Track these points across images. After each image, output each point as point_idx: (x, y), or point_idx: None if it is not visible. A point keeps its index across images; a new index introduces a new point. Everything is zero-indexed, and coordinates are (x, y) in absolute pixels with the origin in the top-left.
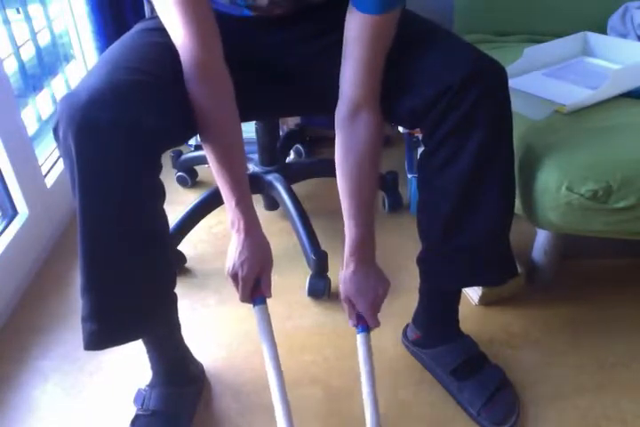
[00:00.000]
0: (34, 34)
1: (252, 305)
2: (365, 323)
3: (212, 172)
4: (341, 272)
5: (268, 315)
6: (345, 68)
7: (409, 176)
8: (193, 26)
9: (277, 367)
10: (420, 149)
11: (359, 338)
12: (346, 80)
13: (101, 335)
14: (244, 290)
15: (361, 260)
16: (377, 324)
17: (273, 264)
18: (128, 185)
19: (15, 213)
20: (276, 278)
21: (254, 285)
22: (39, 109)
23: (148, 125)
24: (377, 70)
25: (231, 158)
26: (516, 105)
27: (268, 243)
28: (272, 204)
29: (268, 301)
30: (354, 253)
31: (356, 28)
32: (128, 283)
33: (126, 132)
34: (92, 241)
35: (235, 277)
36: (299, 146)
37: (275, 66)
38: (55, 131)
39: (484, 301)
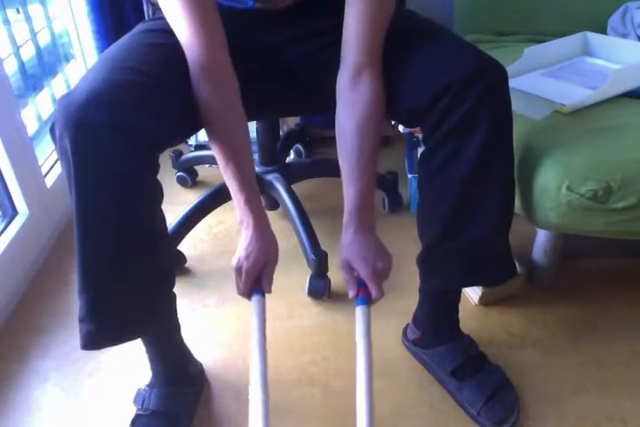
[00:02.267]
0: (34, 34)
1: (249, 301)
2: (366, 293)
3: (212, 172)
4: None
5: (264, 308)
6: (347, 31)
7: (409, 176)
8: (199, 26)
9: (263, 356)
10: (421, 149)
11: (358, 311)
12: (348, 44)
13: (98, 335)
14: (245, 282)
15: (360, 225)
16: (380, 293)
17: (278, 262)
18: (125, 185)
19: (15, 213)
20: (275, 278)
21: (256, 279)
22: (39, 109)
23: (144, 126)
24: (379, 33)
25: (238, 157)
26: (516, 105)
27: (275, 240)
28: (272, 204)
29: (268, 300)
30: (352, 218)
31: None
32: (125, 283)
33: (123, 132)
34: (89, 241)
35: (239, 270)
36: (299, 146)
37: (276, 64)
38: (52, 131)
39: (484, 301)
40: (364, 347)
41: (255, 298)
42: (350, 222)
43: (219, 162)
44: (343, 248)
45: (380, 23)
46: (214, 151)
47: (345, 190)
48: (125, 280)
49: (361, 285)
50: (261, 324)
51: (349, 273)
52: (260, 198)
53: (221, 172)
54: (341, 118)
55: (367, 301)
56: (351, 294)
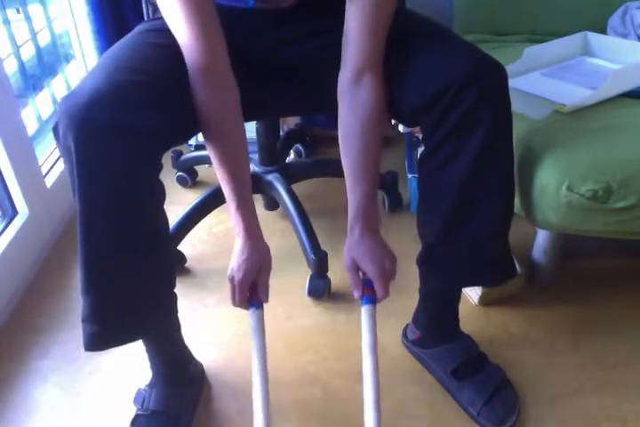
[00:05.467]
0: (34, 34)
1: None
2: (371, 294)
3: (212, 172)
4: (345, 243)
5: (263, 321)
6: (347, 32)
7: (409, 176)
8: (197, 27)
9: (264, 376)
10: (421, 149)
11: (364, 311)
12: (349, 45)
13: (101, 336)
14: (239, 294)
15: (366, 227)
16: (386, 294)
17: (271, 269)
18: (128, 185)
19: (15, 213)
20: (276, 278)
21: (252, 289)
22: (39, 109)
23: (147, 126)
24: (380, 36)
25: (234, 160)
26: (516, 105)
27: (266, 247)
28: (272, 204)
29: (269, 300)
30: (358, 220)
31: None
32: (128, 283)
33: (125, 132)
34: (92, 241)
35: (232, 281)
36: (299, 146)
37: (275, 63)
38: (55, 131)
39: (484, 301)
40: (370, 345)
41: (253, 312)
42: (356, 223)
43: (214, 165)
44: (349, 248)
45: (381, 25)
46: (210, 154)
47: (349, 191)
48: (128, 280)
49: (366, 284)
50: (261, 341)
51: (355, 273)
52: (253, 205)
53: (217, 174)
54: (344, 120)
55: (372, 300)
56: (357, 294)
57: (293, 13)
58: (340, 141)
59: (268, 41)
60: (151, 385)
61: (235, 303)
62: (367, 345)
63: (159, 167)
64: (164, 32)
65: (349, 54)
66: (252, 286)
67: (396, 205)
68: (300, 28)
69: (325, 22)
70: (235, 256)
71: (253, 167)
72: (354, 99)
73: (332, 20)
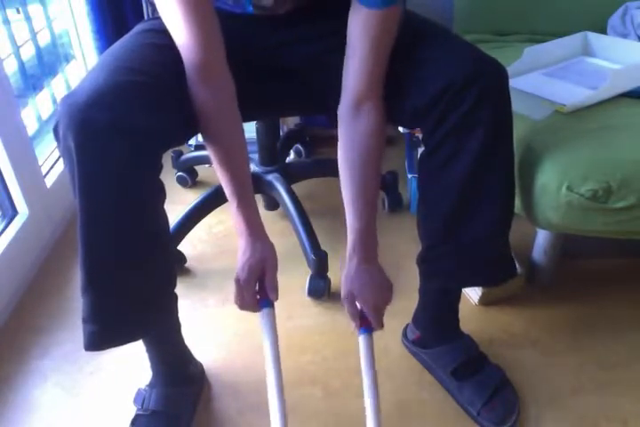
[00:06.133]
0: (34, 34)
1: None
2: (368, 324)
3: (212, 172)
4: (343, 271)
5: (274, 319)
6: (349, 62)
7: (409, 176)
8: (195, 27)
9: (278, 373)
10: (421, 149)
11: (362, 340)
12: (350, 74)
13: (102, 336)
14: (248, 294)
15: (364, 256)
16: (381, 325)
17: (277, 266)
18: (128, 185)
19: (15, 213)
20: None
21: (260, 288)
22: (39, 109)
23: (147, 126)
24: (381, 64)
25: (233, 160)
26: (516, 105)
27: (270, 243)
28: (272, 204)
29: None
30: (356, 249)
31: (360, 22)
32: (128, 283)
33: (125, 132)
34: (93, 241)
35: (238, 282)
36: (299, 146)
37: (275, 66)
38: (55, 130)
39: (484, 301)
40: (370, 380)
41: (264, 311)
42: (354, 253)
43: (214, 164)
44: (346, 281)
45: (382, 55)
46: (210, 154)
47: (348, 219)
48: (128, 280)
49: (363, 316)
50: (274, 339)
51: (352, 304)
52: (254, 203)
53: (217, 174)
54: (343, 148)
55: (370, 330)
56: (354, 325)
57: (292, 18)
58: (339, 169)
59: (267, 44)
60: (151, 385)
61: (243, 306)
62: (367, 381)
63: (159, 167)
64: (163, 33)
65: (350, 84)
66: (260, 286)
67: (396, 205)
68: (299, 31)
69: (326, 26)
70: (239, 257)
71: (253, 167)
72: (353, 129)
73: (333, 24)
